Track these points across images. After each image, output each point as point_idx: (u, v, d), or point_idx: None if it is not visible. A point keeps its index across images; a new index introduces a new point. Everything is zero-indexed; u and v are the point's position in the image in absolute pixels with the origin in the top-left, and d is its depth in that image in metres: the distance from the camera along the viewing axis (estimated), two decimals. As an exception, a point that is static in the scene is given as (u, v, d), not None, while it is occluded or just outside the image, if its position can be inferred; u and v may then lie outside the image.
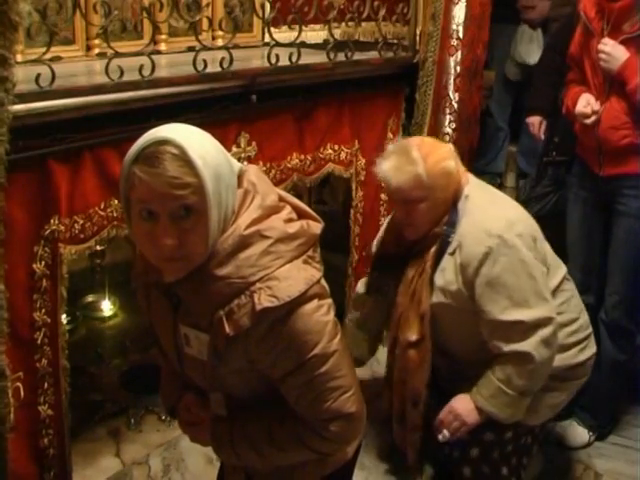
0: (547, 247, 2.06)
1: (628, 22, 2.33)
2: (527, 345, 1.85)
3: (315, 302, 1.27)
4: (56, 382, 1.84)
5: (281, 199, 1.34)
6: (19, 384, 1.74)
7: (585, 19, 2.43)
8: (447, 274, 1.92)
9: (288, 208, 1.33)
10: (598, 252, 2.50)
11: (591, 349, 2.11)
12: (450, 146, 2.05)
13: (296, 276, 1.25)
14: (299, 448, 1.36)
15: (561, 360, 1.99)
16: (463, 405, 1.95)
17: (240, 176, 1.30)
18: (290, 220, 1.30)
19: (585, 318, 2.12)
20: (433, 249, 1.95)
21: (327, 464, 1.45)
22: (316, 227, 1.34)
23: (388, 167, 1.92)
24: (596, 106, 2.35)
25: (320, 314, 1.28)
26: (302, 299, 1.24)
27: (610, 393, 2.54)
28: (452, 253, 1.91)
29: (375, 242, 2.25)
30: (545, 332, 1.86)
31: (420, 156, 1.88)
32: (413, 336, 1.96)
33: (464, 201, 1.94)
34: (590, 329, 2.13)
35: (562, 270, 2.10)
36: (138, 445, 2.47)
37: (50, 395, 1.83)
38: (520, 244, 1.87)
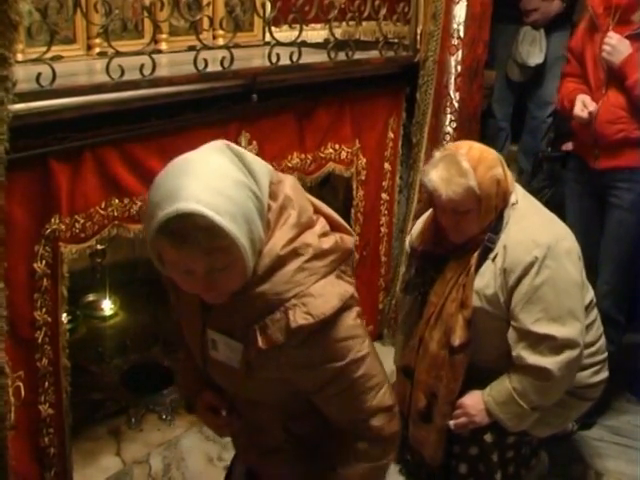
0: (583, 267, 2.05)
1: (633, 17, 2.35)
2: (551, 362, 1.84)
3: (346, 313, 1.28)
4: (57, 381, 1.84)
5: (316, 210, 1.33)
6: (20, 383, 1.74)
7: (593, 14, 2.45)
8: (485, 278, 1.91)
9: (322, 221, 1.32)
10: (596, 247, 2.52)
11: (604, 373, 2.12)
12: (495, 152, 2.02)
13: (330, 292, 1.26)
14: (358, 468, 1.37)
15: (577, 378, 1.99)
16: (474, 403, 1.95)
17: (275, 185, 1.27)
18: (324, 234, 1.30)
19: (603, 342, 2.13)
20: (476, 253, 1.94)
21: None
22: (349, 241, 1.34)
23: (438, 178, 1.87)
24: (591, 107, 2.38)
25: (351, 322, 1.29)
26: (335, 314, 1.26)
27: None
28: (494, 259, 1.91)
29: (411, 239, 2.19)
30: (572, 354, 1.86)
31: (470, 166, 1.86)
32: (457, 341, 1.93)
33: (510, 208, 1.94)
34: (606, 354, 2.13)
35: (590, 293, 2.10)
36: (139, 444, 2.47)
37: (51, 394, 1.84)
38: (566, 259, 1.88)
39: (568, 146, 2.84)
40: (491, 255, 1.91)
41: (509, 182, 1.97)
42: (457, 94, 2.74)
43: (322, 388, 1.32)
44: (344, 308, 1.27)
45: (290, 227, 1.25)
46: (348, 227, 1.38)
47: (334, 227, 1.35)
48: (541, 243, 1.86)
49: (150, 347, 3.04)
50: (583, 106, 2.42)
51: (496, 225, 1.93)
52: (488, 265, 1.92)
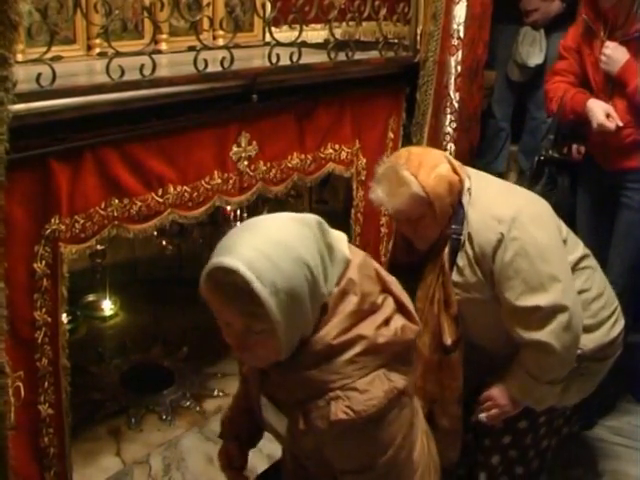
0: (562, 224, 2.04)
1: (626, 24, 2.35)
2: (546, 335, 1.83)
3: (391, 412, 1.26)
4: (56, 381, 1.84)
5: (384, 288, 1.31)
6: (19, 383, 1.74)
7: (587, 19, 2.45)
8: (464, 270, 1.91)
9: (388, 303, 1.30)
10: (607, 248, 2.52)
11: (620, 323, 2.09)
12: (436, 150, 2.03)
13: (377, 388, 1.23)
14: None
15: (594, 340, 1.97)
16: (501, 395, 1.95)
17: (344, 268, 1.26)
18: (385, 322, 1.27)
19: (610, 291, 2.09)
20: (446, 250, 1.93)
21: None
22: (411, 332, 1.30)
23: (381, 192, 1.89)
24: (620, 122, 2.38)
25: (394, 425, 1.27)
26: (378, 412, 1.23)
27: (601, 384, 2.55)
28: (464, 247, 1.90)
29: (387, 256, 2.23)
30: (563, 318, 1.83)
31: (410, 173, 1.85)
32: (449, 340, 1.92)
33: (467, 195, 1.93)
34: (617, 302, 2.09)
35: (580, 247, 2.06)
36: (138, 444, 2.47)
37: (50, 394, 1.83)
38: (532, 226, 1.86)
39: (581, 149, 2.82)
40: (461, 246, 1.91)
41: (459, 172, 1.95)
42: (457, 94, 2.74)
43: (343, 476, 1.31)
44: (389, 407, 1.24)
45: (347, 315, 1.23)
46: (414, 314, 1.33)
47: (401, 310, 1.32)
48: (503, 218, 1.85)
49: (150, 347, 3.05)
50: (606, 113, 2.41)
51: (457, 216, 1.92)
52: (462, 256, 1.91)
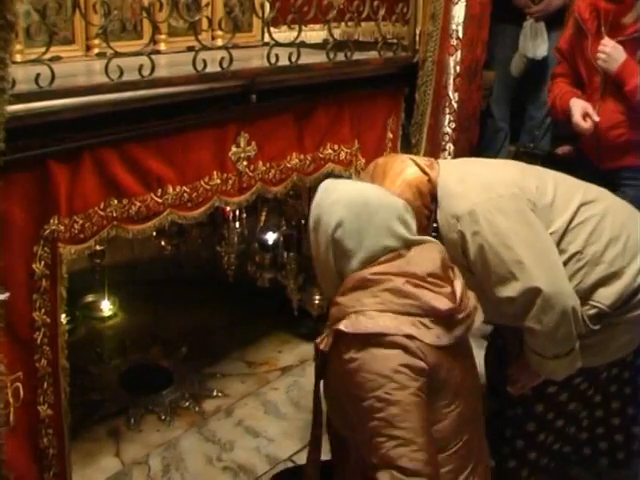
0: (546, 183, 1.95)
1: (624, 22, 2.36)
2: (529, 320, 1.80)
3: (394, 352, 1.36)
4: (56, 382, 1.84)
5: (444, 277, 1.51)
6: (19, 384, 1.74)
7: (579, 19, 2.46)
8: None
9: (435, 288, 1.45)
10: None
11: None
12: (399, 155, 2.02)
13: (383, 320, 1.38)
14: None
15: (615, 292, 1.88)
16: (522, 368, 1.95)
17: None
18: (419, 287, 1.43)
19: (629, 233, 1.94)
20: None
21: None
22: (440, 303, 1.43)
23: None
24: (596, 118, 2.39)
25: (393, 363, 1.35)
26: (378, 340, 1.36)
27: None
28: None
29: None
30: (540, 301, 1.78)
31: (377, 185, 1.80)
32: None
33: (440, 192, 1.91)
34: (638, 246, 1.94)
35: (576, 199, 1.94)
36: (138, 445, 2.47)
37: (50, 395, 1.83)
38: (489, 215, 1.81)
39: (564, 149, 2.84)
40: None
41: (428, 171, 1.92)
42: (456, 94, 2.74)
43: (355, 416, 1.38)
44: (392, 343, 1.36)
45: (391, 266, 1.46)
46: (459, 299, 1.48)
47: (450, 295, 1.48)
48: (459, 214, 1.84)
49: (149, 348, 3.05)
50: (585, 115, 2.42)
51: (435, 215, 1.91)
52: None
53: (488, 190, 1.87)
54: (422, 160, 1.98)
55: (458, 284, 1.53)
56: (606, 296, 1.88)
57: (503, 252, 1.80)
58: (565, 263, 1.87)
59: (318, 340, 1.47)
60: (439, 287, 1.47)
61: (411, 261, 1.48)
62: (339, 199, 1.53)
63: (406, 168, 1.91)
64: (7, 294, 1.57)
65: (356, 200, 1.52)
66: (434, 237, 1.86)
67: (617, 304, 1.89)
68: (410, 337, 1.38)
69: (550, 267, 1.83)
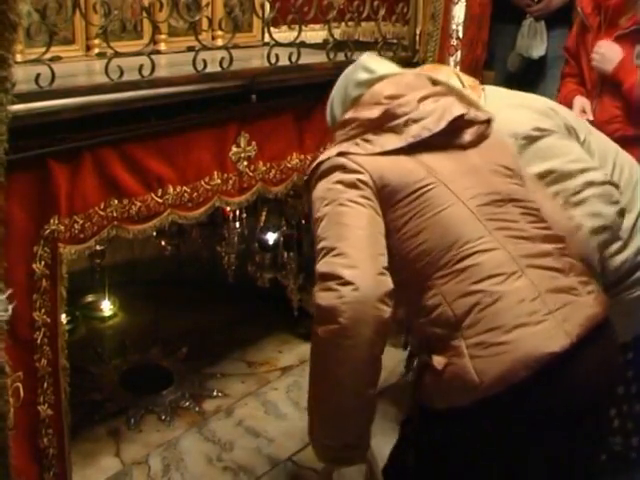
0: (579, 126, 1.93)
1: (623, 18, 2.37)
2: None
3: (331, 175, 1.44)
4: (56, 382, 1.84)
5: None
6: (19, 384, 1.74)
7: (582, 15, 2.47)
8: None
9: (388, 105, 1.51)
10: None
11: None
12: (446, 67, 2.02)
13: (324, 153, 1.51)
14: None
15: (617, 264, 1.85)
16: None
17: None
18: (365, 109, 1.52)
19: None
20: None
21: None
22: (371, 113, 1.50)
23: None
24: (590, 117, 2.41)
25: (328, 184, 1.43)
26: (319, 171, 1.47)
27: None
28: None
29: None
30: None
31: None
32: None
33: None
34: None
35: (610, 159, 1.92)
36: (138, 445, 2.47)
37: (50, 395, 1.83)
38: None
39: None
40: None
41: (473, 89, 1.91)
42: (456, 94, 2.74)
43: None
44: (328, 170, 1.45)
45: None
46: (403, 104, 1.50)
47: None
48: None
49: (149, 348, 3.04)
50: (582, 112, 2.44)
51: None
52: None
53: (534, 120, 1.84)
54: (467, 79, 1.94)
55: (422, 92, 1.53)
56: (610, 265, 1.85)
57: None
58: None
59: None
60: (394, 102, 1.51)
61: (371, 91, 1.55)
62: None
63: (448, 81, 1.83)
64: (10, 290, 1.56)
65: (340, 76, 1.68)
66: None
67: (613, 277, 1.87)
68: (341, 154, 1.45)
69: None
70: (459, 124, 1.51)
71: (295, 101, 2.29)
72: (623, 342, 1.94)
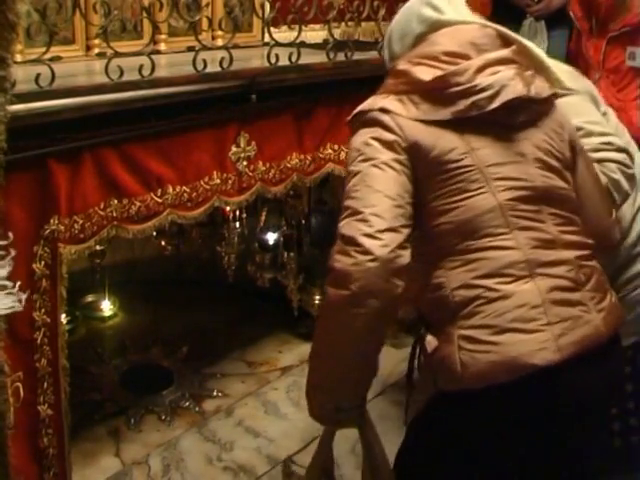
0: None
1: (614, 20, 2.38)
2: None
3: (371, 128, 1.38)
4: (56, 382, 1.84)
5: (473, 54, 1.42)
6: (19, 384, 1.74)
7: (573, 19, 2.48)
8: None
9: (443, 65, 1.39)
10: None
11: None
12: None
13: (368, 100, 1.46)
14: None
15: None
16: None
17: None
18: (420, 64, 1.42)
19: None
20: None
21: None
22: (425, 75, 1.39)
23: None
24: None
25: (365, 137, 1.37)
26: (360, 119, 1.42)
27: None
28: None
29: None
30: None
31: None
32: None
33: None
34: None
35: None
36: (138, 445, 2.47)
37: (50, 395, 1.83)
38: None
39: None
40: None
41: None
42: (456, 94, 2.74)
43: None
44: (369, 121, 1.39)
45: (410, 52, 1.50)
46: (468, 71, 1.38)
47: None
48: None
49: (149, 348, 3.05)
50: None
51: None
52: None
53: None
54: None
55: (484, 58, 1.40)
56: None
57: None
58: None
59: None
60: (451, 64, 1.39)
61: (431, 42, 1.44)
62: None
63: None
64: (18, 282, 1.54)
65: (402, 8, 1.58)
66: None
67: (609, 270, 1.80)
68: (384, 110, 1.38)
69: None
70: (515, 103, 1.40)
71: (295, 101, 2.29)
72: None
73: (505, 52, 1.44)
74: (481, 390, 1.31)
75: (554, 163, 1.44)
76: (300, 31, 2.17)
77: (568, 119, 1.54)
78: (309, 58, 2.29)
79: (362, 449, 1.53)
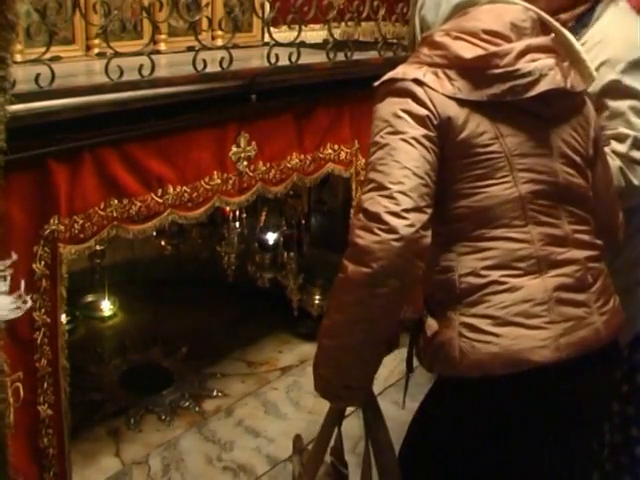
0: None
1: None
2: None
3: (402, 98, 1.32)
4: (56, 382, 1.84)
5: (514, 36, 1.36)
6: (19, 384, 1.74)
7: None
8: None
9: (483, 44, 1.33)
10: None
11: None
12: None
13: (402, 68, 1.38)
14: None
15: None
16: None
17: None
18: (460, 39, 1.35)
19: None
20: None
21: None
22: (466, 52, 1.33)
23: None
24: None
25: (395, 108, 1.32)
26: (389, 88, 1.36)
27: None
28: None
29: None
30: None
31: None
32: None
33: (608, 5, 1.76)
34: None
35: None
36: (138, 445, 2.47)
37: (50, 395, 1.83)
38: None
39: None
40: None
41: None
42: (456, 94, 2.74)
43: None
44: (400, 90, 1.34)
45: (449, 24, 1.40)
46: (511, 54, 1.33)
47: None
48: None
49: (149, 348, 3.05)
50: None
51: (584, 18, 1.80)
52: None
53: None
54: None
55: (525, 43, 1.35)
56: None
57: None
58: None
59: None
60: (492, 44, 1.34)
61: (471, 17, 1.38)
62: None
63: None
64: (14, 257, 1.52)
65: None
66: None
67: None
68: (418, 82, 1.31)
69: None
70: (551, 93, 1.36)
71: (295, 101, 2.29)
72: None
73: (546, 40, 1.40)
74: (477, 380, 1.30)
75: (578, 160, 1.42)
76: (300, 31, 2.17)
77: (595, 116, 1.51)
78: (309, 58, 2.29)
79: (364, 429, 1.50)
